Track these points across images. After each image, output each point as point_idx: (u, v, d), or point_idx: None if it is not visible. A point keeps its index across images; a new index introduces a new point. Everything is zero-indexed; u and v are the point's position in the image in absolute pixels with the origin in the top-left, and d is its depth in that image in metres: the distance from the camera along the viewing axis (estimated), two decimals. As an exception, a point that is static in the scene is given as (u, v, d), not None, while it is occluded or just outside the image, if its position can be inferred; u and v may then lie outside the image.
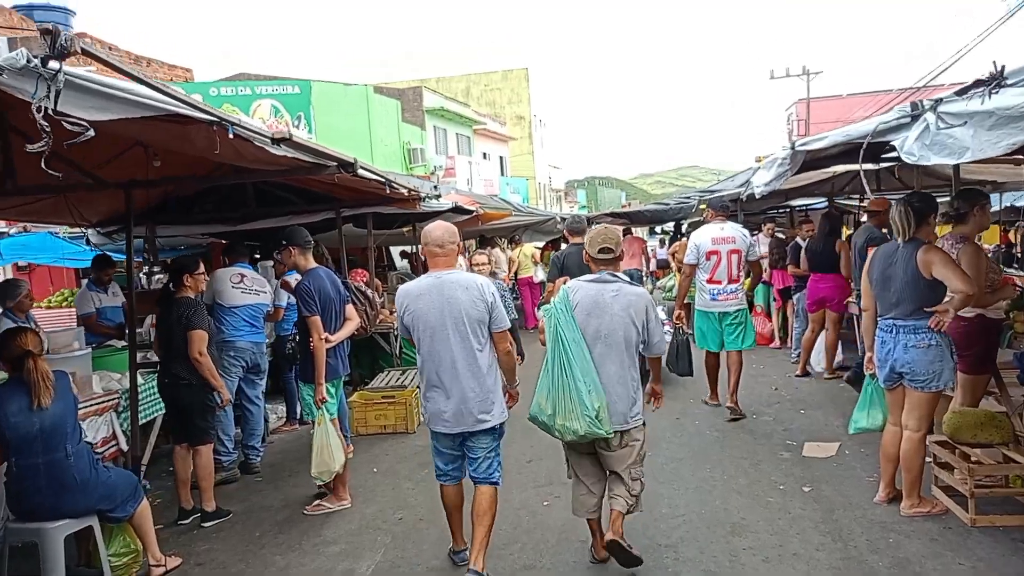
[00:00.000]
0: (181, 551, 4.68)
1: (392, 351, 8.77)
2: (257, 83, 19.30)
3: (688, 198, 14.30)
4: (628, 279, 3.91)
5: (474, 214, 12.01)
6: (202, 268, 5.31)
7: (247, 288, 6.14)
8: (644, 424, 3.88)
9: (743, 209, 12.53)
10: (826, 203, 16.28)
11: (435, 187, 10.25)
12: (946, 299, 4.25)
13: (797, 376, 8.56)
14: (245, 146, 4.04)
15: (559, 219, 15.85)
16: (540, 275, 15.70)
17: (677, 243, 13.55)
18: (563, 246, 8.55)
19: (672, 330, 7.46)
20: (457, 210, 11.27)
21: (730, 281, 6.85)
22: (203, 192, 8.45)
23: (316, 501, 5.26)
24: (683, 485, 5.24)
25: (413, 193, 8.20)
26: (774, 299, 10.91)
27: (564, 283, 4.15)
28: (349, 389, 9.15)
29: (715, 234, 6.95)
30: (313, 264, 5.15)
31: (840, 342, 8.76)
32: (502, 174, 37.22)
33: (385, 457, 6.46)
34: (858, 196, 13.90)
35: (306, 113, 19.63)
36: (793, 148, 5.08)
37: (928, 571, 3.72)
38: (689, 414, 7.21)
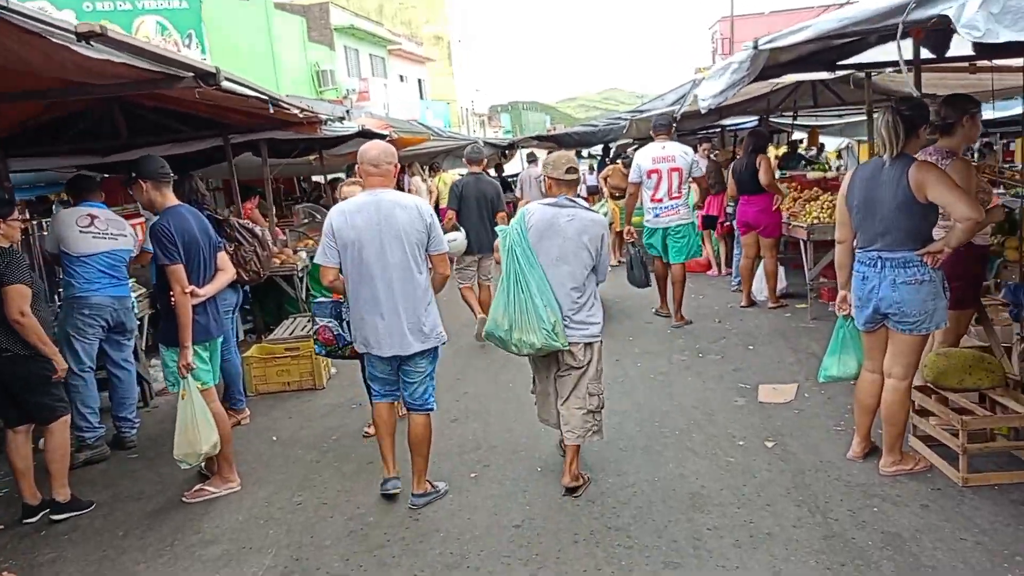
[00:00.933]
0: (23, 562, 3.77)
1: (297, 295, 7.77)
2: (140, -4, 17.23)
3: (617, 119, 13.47)
4: (585, 204, 4.01)
5: (387, 139, 10.92)
6: (15, 212, 4.22)
7: (100, 232, 5.02)
8: (601, 343, 4.03)
9: (676, 128, 11.86)
10: (758, 122, 15.83)
11: (347, 111, 9.14)
12: (939, 227, 3.60)
13: (742, 307, 8.01)
14: (59, 52, 2.97)
15: (482, 144, 14.82)
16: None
17: (609, 167, 12.74)
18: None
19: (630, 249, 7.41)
20: (366, 135, 10.15)
21: (671, 198, 7.06)
22: (65, 119, 7.15)
23: (198, 485, 4.38)
24: (630, 444, 4.57)
25: (308, 115, 7.10)
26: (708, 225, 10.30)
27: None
28: (252, 339, 8.20)
29: (656, 153, 7.15)
30: (173, 201, 4.11)
31: (782, 267, 8.24)
32: (421, 98, 35.49)
33: (287, 422, 5.59)
34: (791, 113, 13.36)
35: (197, 31, 17.70)
36: (755, 47, 4.23)
37: (926, 550, 3.14)
38: (628, 355, 6.55)
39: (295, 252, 8.24)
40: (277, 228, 8.66)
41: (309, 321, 7.31)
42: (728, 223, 10.04)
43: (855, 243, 3.77)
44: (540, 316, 3.70)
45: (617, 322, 7.75)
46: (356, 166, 3.87)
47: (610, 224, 11.83)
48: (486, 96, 52.70)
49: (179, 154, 8.17)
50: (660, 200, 7.08)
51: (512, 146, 16.34)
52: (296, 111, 6.49)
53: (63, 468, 4.23)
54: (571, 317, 3.82)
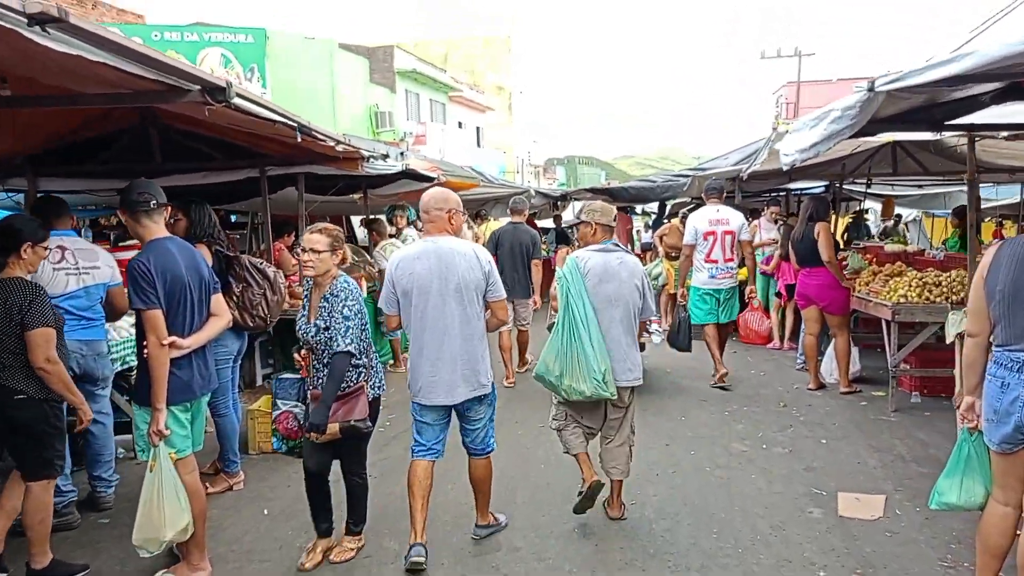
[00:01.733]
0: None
1: (320, 342, 7.16)
2: (207, 29, 17.40)
3: (677, 176, 12.80)
4: (626, 248, 4.39)
5: (435, 181, 10.43)
6: (47, 238, 3.71)
7: (71, 266, 4.33)
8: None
9: (741, 189, 11.13)
10: (825, 187, 14.97)
11: (402, 152, 8.67)
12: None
13: (810, 389, 7.13)
14: (18, 41, 2.42)
15: (533, 192, 14.27)
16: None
17: (665, 225, 12.00)
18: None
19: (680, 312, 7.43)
20: (410, 175, 9.67)
21: (725, 260, 7.19)
22: (100, 139, 6.79)
23: (162, 571, 3.69)
24: (682, 562, 3.75)
25: (347, 148, 6.58)
26: (777, 294, 9.43)
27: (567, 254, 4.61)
28: (270, 383, 7.62)
29: (711, 216, 7.24)
30: (157, 232, 3.51)
31: (856, 348, 7.34)
32: (478, 145, 35.45)
33: (284, 491, 4.90)
34: (865, 181, 12.47)
35: (260, 65, 17.79)
36: (871, 89, 3.48)
37: None
38: (679, 438, 5.73)
39: (324, 295, 7.67)
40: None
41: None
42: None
43: (992, 339, 2.96)
44: (591, 366, 3.88)
45: (668, 396, 6.94)
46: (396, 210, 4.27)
47: (663, 286, 11.09)
48: (543, 148, 52.79)
49: (216, 183, 7.80)
50: (715, 261, 7.17)
51: (565, 197, 15.77)
52: (331, 142, 5.97)
53: (44, 531, 3.62)
54: (621, 361, 4.01)
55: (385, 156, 7.65)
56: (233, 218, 16.00)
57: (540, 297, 7.89)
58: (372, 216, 9.61)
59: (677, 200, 14.96)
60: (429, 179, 10.20)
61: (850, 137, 4.30)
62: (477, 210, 15.05)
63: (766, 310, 9.80)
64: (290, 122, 4.86)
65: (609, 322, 4.00)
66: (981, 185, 13.87)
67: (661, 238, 11.60)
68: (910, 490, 4.55)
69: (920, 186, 12.77)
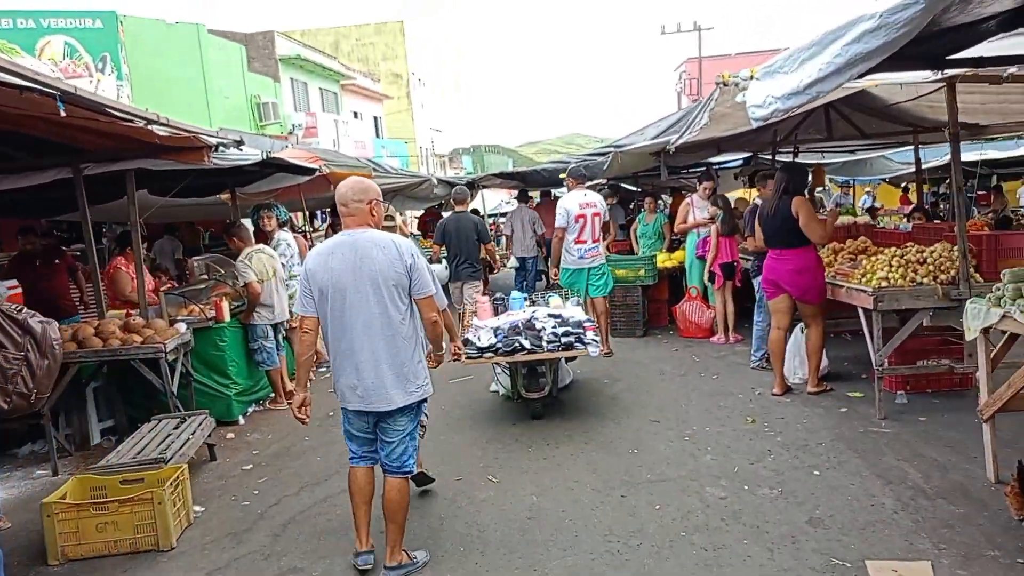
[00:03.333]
0: None
1: (166, 386, 5.52)
2: (46, 14, 15.03)
3: (593, 155, 11.58)
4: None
5: (316, 173, 8.83)
6: None
7: None
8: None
9: (667, 164, 9.98)
10: (742, 161, 14.11)
11: (293, 139, 7.09)
12: None
13: (775, 395, 6.00)
14: None
15: (435, 181, 12.80)
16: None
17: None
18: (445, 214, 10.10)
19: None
20: (287, 169, 8.08)
21: (593, 241, 7.47)
22: None
23: None
24: None
25: (177, 133, 4.98)
26: (711, 277, 8.33)
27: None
28: (110, 441, 5.94)
29: (580, 200, 7.49)
30: None
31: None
32: (377, 136, 33.53)
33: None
34: (790, 149, 11.59)
35: (113, 53, 15.56)
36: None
37: None
38: (638, 485, 4.45)
39: (172, 324, 6.02)
40: (150, 292, 6.43)
41: (179, 423, 5.17)
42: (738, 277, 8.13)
43: None
44: None
45: (611, 419, 5.66)
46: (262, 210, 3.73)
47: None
48: (446, 138, 51.05)
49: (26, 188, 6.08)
50: (584, 242, 7.42)
51: (473, 185, 14.34)
52: (141, 122, 4.37)
53: None
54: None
55: (239, 143, 6.05)
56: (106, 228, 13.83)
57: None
58: (231, 220, 7.93)
59: (595, 182, 13.80)
60: (308, 171, 8.63)
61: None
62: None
63: (705, 298, 8.69)
64: (46, 89, 3.26)
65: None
66: (903, 148, 13.40)
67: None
68: (956, 545, 3.40)
69: (853, 151, 11.99)
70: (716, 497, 4.15)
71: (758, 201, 6.85)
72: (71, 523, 3.97)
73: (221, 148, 5.94)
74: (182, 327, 5.98)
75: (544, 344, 5.50)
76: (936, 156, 12.42)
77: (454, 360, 4.07)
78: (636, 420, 5.63)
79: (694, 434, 5.23)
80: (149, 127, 4.47)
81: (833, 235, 6.87)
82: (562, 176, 10.54)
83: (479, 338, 5.62)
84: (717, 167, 13.31)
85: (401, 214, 18.19)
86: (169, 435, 5.02)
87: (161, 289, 6.64)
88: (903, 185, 17.93)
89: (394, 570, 3.50)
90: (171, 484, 4.15)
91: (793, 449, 4.80)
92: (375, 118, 34.48)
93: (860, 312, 5.46)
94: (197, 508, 4.52)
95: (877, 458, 4.54)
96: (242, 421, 6.43)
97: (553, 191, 17.65)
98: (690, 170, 13.47)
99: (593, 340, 5.57)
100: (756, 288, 6.80)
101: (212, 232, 13.23)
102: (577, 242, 7.41)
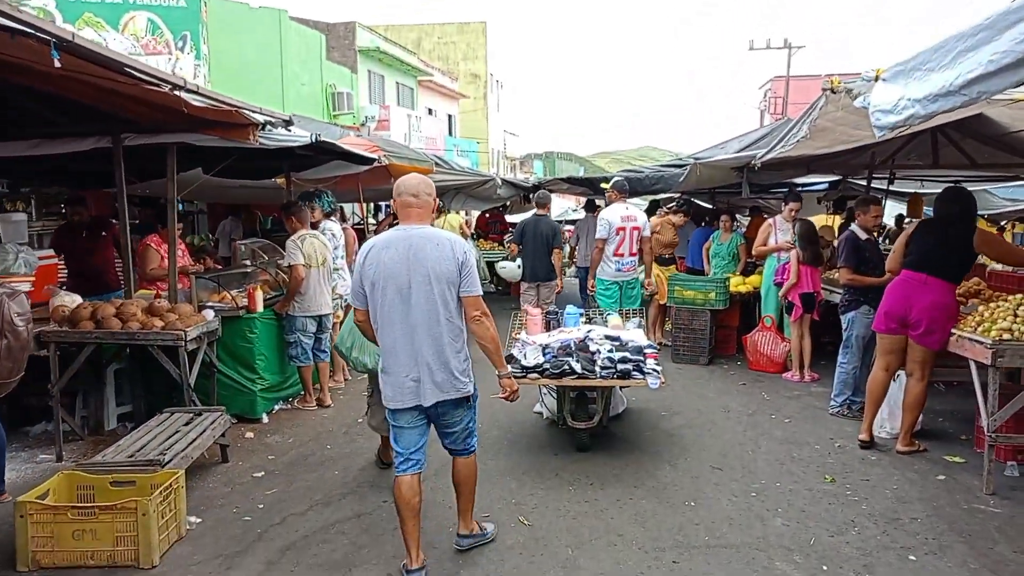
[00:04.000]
0: None
1: (183, 376, 5.10)
2: (131, -11, 15.17)
3: (669, 165, 10.81)
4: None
5: (374, 164, 8.39)
6: None
7: None
8: None
9: (749, 180, 9.20)
10: (827, 185, 13.13)
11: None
12: None
13: (861, 442, 5.24)
14: None
15: (499, 182, 12.27)
16: (472, 253, 12.09)
17: (655, 219, 9.93)
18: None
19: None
20: (346, 156, 7.66)
21: (631, 255, 7.45)
22: None
23: None
24: None
25: (213, 104, 4.56)
26: (788, 307, 7.53)
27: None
28: (125, 428, 5.57)
29: (622, 213, 7.44)
30: None
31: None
32: (450, 134, 33.31)
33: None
34: (886, 175, 10.62)
35: (194, 32, 15.55)
36: None
37: None
38: (695, 549, 3.77)
39: (200, 309, 5.62)
40: (181, 276, 6.04)
41: (192, 418, 4.75)
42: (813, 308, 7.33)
43: None
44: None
45: (664, 459, 4.98)
46: (392, 201, 3.55)
47: (653, 295, 9.15)
48: (519, 143, 50.75)
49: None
50: (622, 255, 7.41)
51: (539, 187, 13.76)
52: (166, 86, 3.93)
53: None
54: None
55: (288, 123, 5.61)
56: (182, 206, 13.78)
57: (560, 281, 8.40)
58: (290, 200, 7.49)
59: (666, 195, 13.05)
60: (367, 160, 8.20)
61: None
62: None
63: (780, 330, 7.89)
64: (40, 34, 2.81)
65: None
66: (1009, 184, 12.21)
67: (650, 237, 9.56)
68: None
69: (956, 182, 10.91)
70: (788, 577, 3.45)
71: (855, 228, 6.06)
72: (46, 527, 3.54)
73: (268, 127, 5.53)
74: (209, 314, 5.57)
75: (597, 370, 4.87)
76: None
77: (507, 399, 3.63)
78: (695, 465, 4.94)
79: (762, 489, 4.51)
80: (176, 93, 4.02)
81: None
82: (604, 187, 10.22)
83: (525, 355, 5.03)
84: (800, 189, 12.40)
85: (467, 213, 17.74)
86: (177, 432, 4.59)
87: (191, 271, 6.23)
88: (1001, 224, 16.59)
89: (467, 538, 3.70)
90: (161, 493, 3.68)
91: (882, 522, 4.04)
92: (449, 116, 34.28)
93: (972, 367, 4.64)
94: (193, 519, 4.06)
95: (988, 546, 3.75)
96: (265, 419, 5.99)
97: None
98: (771, 190, 12.63)
99: (654, 370, 4.91)
100: (845, 326, 6.01)
101: (274, 217, 13.00)
102: (615, 255, 7.39)
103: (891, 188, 11.17)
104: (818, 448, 5.29)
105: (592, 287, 7.62)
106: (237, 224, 11.66)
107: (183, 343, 5.04)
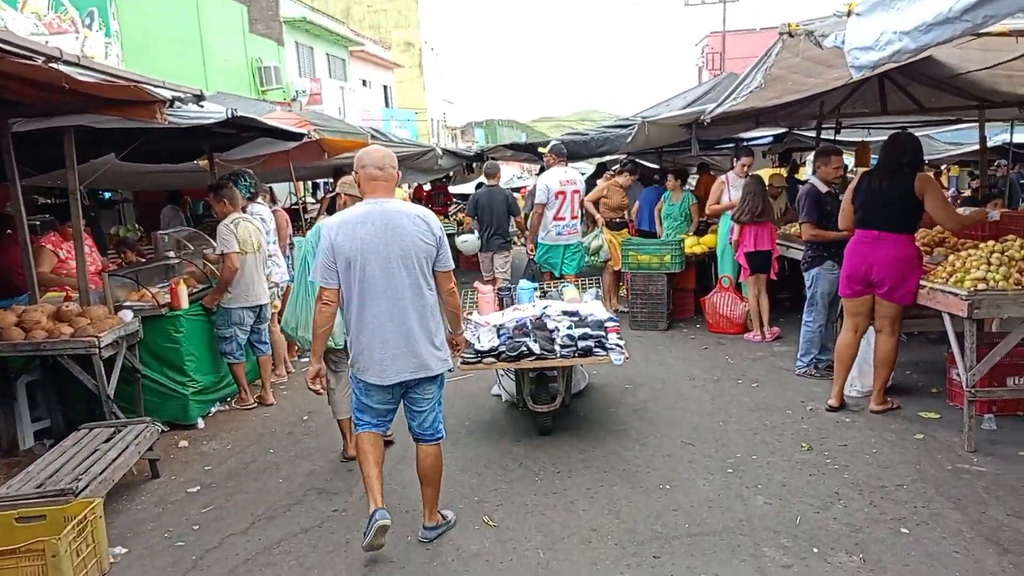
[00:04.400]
0: None
1: (100, 387, 4.58)
2: (28, -36, 14.02)
3: (615, 127, 10.45)
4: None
5: (304, 139, 7.84)
6: None
7: None
8: None
9: (698, 137, 8.93)
10: (772, 138, 12.97)
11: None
12: None
13: (830, 407, 5.04)
14: None
15: (440, 152, 11.77)
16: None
17: (601, 184, 9.59)
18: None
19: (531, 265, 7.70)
20: (272, 133, 7.11)
21: (572, 218, 7.48)
22: None
23: None
24: None
25: (108, 81, 4.02)
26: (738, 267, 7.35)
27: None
28: (42, 446, 5.02)
29: (561, 176, 7.46)
30: None
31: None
32: (387, 105, 32.37)
33: None
34: (832, 125, 10.49)
35: (101, 8, 14.49)
36: None
37: None
38: (675, 539, 3.49)
39: (115, 311, 5.08)
40: (93, 275, 5.47)
41: (113, 433, 4.26)
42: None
43: None
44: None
45: (633, 437, 4.69)
46: (352, 174, 3.50)
47: (606, 261, 8.85)
48: (459, 111, 49.84)
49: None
50: (563, 219, 7.42)
51: (481, 156, 13.30)
52: (38, 59, 3.37)
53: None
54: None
55: (199, 98, 5.06)
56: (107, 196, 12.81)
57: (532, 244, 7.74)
58: (217, 180, 6.86)
59: (612, 157, 12.71)
60: (295, 136, 7.65)
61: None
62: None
63: (738, 289, 7.67)
64: None
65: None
66: (952, 127, 12.21)
67: (597, 202, 9.25)
68: None
69: (903, 129, 10.83)
70: (779, 565, 3.18)
71: (815, 181, 5.80)
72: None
73: (178, 104, 4.98)
74: (127, 315, 5.05)
75: (557, 349, 4.53)
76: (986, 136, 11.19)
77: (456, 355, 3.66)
78: (666, 442, 4.66)
79: (739, 464, 4.26)
80: (52, 66, 3.47)
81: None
82: (542, 151, 9.83)
83: (478, 339, 4.65)
84: (746, 143, 12.21)
85: (408, 187, 17.15)
86: (96, 451, 4.11)
87: (104, 271, 5.65)
88: (942, 167, 16.80)
89: (433, 530, 3.58)
90: (75, 527, 3.22)
91: (867, 492, 3.82)
92: (385, 87, 33.28)
93: (946, 319, 4.44)
94: (118, 551, 3.61)
95: (979, 511, 3.55)
96: (201, 424, 5.51)
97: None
98: (716, 147, 12.41)
99: (617, 345, 4.59)
100: (809, 283, 5.79)
101: (205, 201, 12.20)
102: (556, 219, 7.42)
103: (838, 138, 11.05)
104: (790, 413, 5.07)
105: (531, 251, 7.66)
106: (177, 212, 10.92)
107: (97, 350, 4.53)
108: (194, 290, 5.82)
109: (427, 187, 16.16)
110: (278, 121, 7.49)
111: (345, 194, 4.61)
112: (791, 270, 7.79)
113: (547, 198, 7.39)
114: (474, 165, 13.99)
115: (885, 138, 7.87)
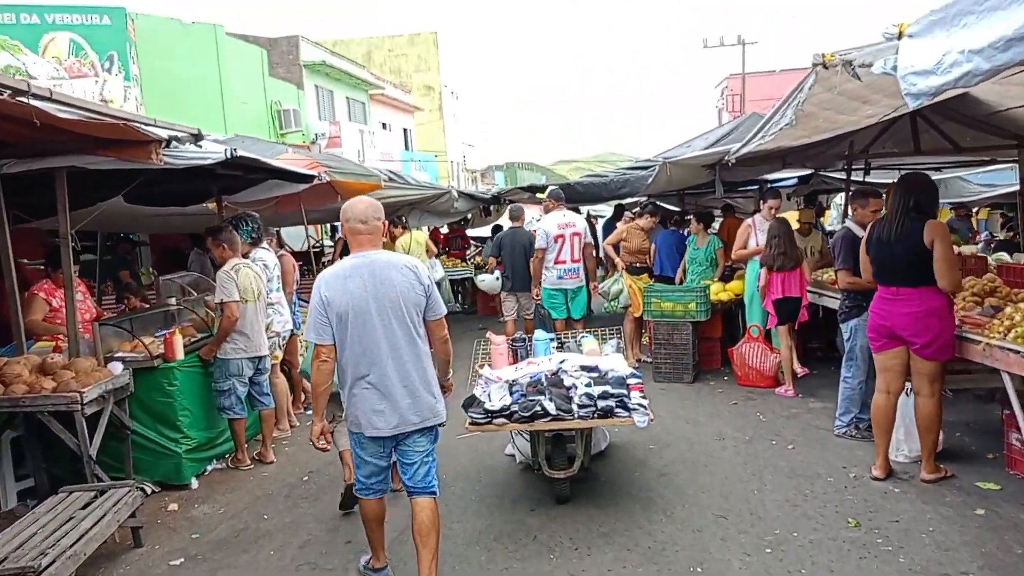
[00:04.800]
0: None
1: (82, 446, 4.25)
2: (51, 9, 14.10)
3: (634, 168, 10.16)
4: None
5: (314, 181, 7.59)
6: None
7: None
8: None
9: (722, 179, 8.62)
10: (797, 180, 12.63)
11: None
12: None
13: (875, 478, 4.57)
14: None
15: (456, 195, 11.53)
16: (439, 271, 11.32)
17: (621, 227, 9.24)
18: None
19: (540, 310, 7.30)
20: (282, 176, 6.88)
21: (573, 261, 7.52)
22: None
23: None
24: None
25: (95, 119, 3.78)
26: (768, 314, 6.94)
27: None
28: (24, 506, 4.67)
29: (559, 220, 7.55)
30: None
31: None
32: (406, 148, 32.48)
33: None
34: (862, 166, 10.10)
35: (121, 52, 14.56)
36: None
37: None
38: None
39: (106, 363, 4.77)
40: (86, 323, 5.18)
41: (93, 498, 3.92)
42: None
43: None
44: None
45: (661, 508, 4.25)
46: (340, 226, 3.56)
47: (627, 307, 8.48)
48: (478, 154, 50.10)
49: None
50: (563, 262, 7.49)
51: (498, 199, 13.07)
52: (3, 91, 3.12)
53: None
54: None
55: (197, 137, 4.82)
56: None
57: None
58: (216, 224, 6.58)
59: (631, 199, 12.39)
60: (305, 177, 7.41)
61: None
62: (392, 217, 12.19)
63: (768, 339, 7.24)
64: None
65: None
66: (981, 170, 11.79)
67: (616, 246, 8.90)
68: None
69: (939, 169, 10.45)
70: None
71: (851, 225, 5.43)
72: None
73: (175, 144, 4.74)
74: (117, 368, 4.74)
75: (575, 408, 4.14)
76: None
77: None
78: (695, 513, 4.22)
79: (778, 542, 3.81)
80: (19, 100, 3.21)
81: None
82: (539, 196, 10.17)
83: (489, 396, 4.28)
84: (770, 185, 11.86)
85: (427, 229, 16.93)
86: (71, 518, 3.76)
87: (95, 320, 5.35)
88: (973, 209, 16.31)
89: None
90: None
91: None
92: (405, 130, 33.46)
93: (1006, 379, 4.01)
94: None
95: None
96: (195, 485, 5.15)
97: (588, 209, 16.30)
98: (739, 188, 12.08)
99: (640, 405, 4.19)
100: (847, 335, 5.36)
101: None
102: (556, 262, 7.49)
103: (867, 180, 10.66)
104: (832, 481, 4.61)
105: (537, 295, 7.69)
106: (200, 256, 10.62)
107: (79, 407, 4.20)
108: (192, 340, 5.52)
109: (444, 230, 15.93)
110: (287, 163, 7.26)
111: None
112: (824, 316, 7.39)
113: (546, 242, 7.50)
114: (491, 208, 13.75)
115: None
